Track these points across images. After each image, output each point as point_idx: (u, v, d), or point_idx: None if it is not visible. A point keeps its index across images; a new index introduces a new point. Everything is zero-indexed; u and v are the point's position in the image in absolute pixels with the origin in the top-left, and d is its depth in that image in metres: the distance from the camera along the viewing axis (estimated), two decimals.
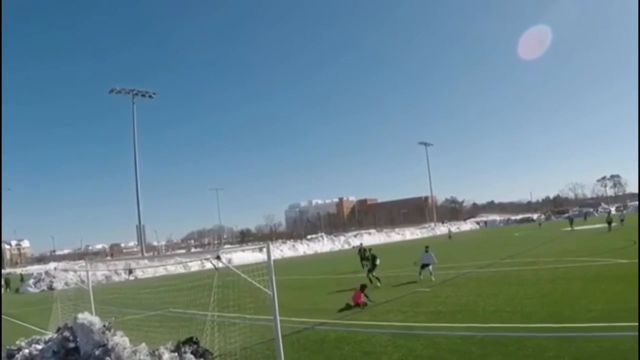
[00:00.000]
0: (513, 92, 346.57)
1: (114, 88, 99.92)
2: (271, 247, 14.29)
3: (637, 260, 28.31)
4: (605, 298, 20.92)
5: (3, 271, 71.22)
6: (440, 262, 41.82)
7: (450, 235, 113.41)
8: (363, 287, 27.04)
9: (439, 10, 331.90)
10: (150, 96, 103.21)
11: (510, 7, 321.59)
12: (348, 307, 25.54)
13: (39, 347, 14.73)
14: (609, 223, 70.34)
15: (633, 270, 27.06)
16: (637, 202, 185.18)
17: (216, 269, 13.47)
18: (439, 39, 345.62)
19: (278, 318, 13.70)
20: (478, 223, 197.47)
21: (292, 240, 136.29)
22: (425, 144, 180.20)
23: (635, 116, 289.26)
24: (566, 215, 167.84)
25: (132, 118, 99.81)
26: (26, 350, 14.75)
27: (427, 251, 34.13)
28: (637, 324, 15.56)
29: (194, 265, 71.03)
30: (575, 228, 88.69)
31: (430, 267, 33.31)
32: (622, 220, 73.96)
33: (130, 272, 69.65)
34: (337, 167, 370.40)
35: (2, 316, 29.83)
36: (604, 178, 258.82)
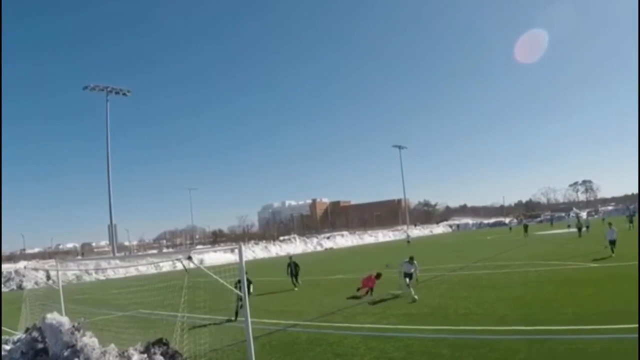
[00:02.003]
0: (486, 96, 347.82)
1: (88, 85, 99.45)
2: (243, 248, 14.24)
3: (607, 264, 28.43)
4: (576, 301, 21.08)
5: None
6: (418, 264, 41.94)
7: (409, 240, 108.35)
8: (379, 275, 29.64)
9: (415, 15, 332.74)
10: (124, 94, 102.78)
11: (487, 12, 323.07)
12: (355, 297, 28.32)
13: (7, 347, 14.58)
14: (579, 229, 70.62)
15: (603, 274, 27.34)
16: (608, 208, 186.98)
17: (186, 270, 13.40)
18: (415, 43, 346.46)
19: (249, 319, 13.65)
20: (451, 226, 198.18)
21: (264, 241, 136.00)
22: (399, 147, 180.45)
23: (607, 122, 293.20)
24: (539, 219, 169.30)
25: (106, 115, 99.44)
26: None
27: (412, 262, 28.44)
28: (606, 327, 15.81)
29: (166, 266, 70.79)
30: (539, 233, 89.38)
31: (413, 279, 28.33)
32: (587, 227, 73.70)
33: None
34: (311, 169, 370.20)
35: None
36: (576, 183, 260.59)
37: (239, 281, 29.20)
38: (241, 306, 28.87)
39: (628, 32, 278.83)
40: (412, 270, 28.22)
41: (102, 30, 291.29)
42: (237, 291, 21.44)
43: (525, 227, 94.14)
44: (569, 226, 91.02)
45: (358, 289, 29.33)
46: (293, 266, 38.54)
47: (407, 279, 27.74)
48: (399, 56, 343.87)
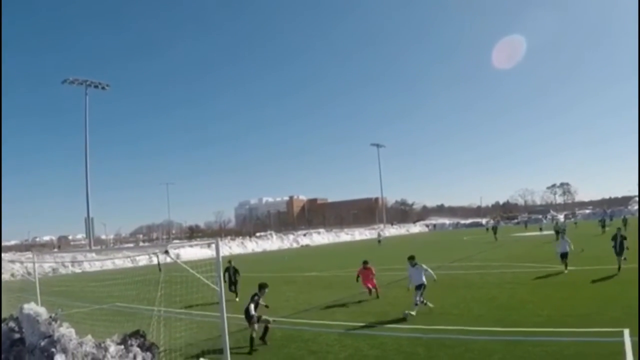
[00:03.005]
0: (464, 97, 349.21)
1: (67, 78, 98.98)
2: (220, 243, 14.21)
3: (583, 267, 28.57)
4: (551, 303, 21.19)
5: None
6: (389, 264, 41.87)
7: (380, 239, 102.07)
8: (365, 263, 28.41)
9: (393, 14, 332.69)
10: (103, 87, 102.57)
11: (468, 13, 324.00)
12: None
13: None
14: (557, 232, 65.28)
15: (579, 278, 27.45)
16: (586, 211, 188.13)
17: (159, 268, 13.41)
18: (393, 42, 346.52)
19: (225, 315, 13.62)
20: (427, 226, 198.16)
21: (241, 237, 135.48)
22: (378, 146, 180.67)
23: (585, 126, 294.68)
24: (515, 221, 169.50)
25: (85, 109, 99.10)
26: None
27: (414, 265, 22.43)
28: (581, 330, 15.95)
29: (142, 260, 70.49)
30: (514, 235, 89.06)
31: (423, 292, 21.70)
32: (563, 230, 71.62)
33: None
34: (288, 166, 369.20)
35: None
36: (553, 185, 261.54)
37: (227, 269, 28.73)
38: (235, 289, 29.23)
39: (606, 36, 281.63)
40: (424, 278, 21.64)
41: (81, 24, 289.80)
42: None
43: (495, 229, 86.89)
44: (540, 229, 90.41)
45: (357, 278, 28.58)
46: (232, 272, 30.73)
47: (420, 295, 21.46)
48: (377, 56, 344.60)
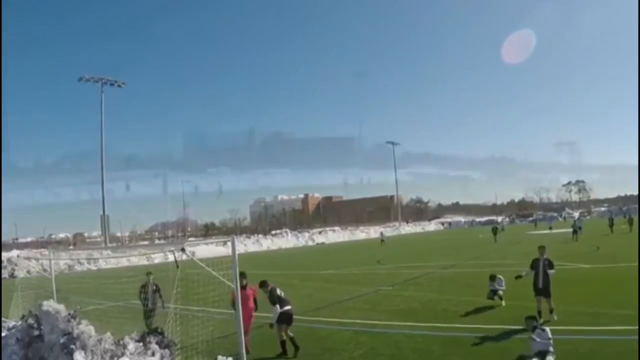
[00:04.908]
0: (478, 94, 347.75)
1: (83, 76, 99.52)
2: (235, 241, 14.30)
3: (598, 265, 28.49)
4: (566, 301, 21.13)
5: None
6: (403, 261, 41.89)
7: (382, 239, 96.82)
8: (242, 277, 17.51)
9: (409, 10, 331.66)
10: (119, 85, 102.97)
11: (483, 10, 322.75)
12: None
13: (2, 334, 14.58)
14: (574, 231, 63.03)
15: (593, 276, 27.39)
16: (601, 209, 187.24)
17: (177, 265, 13.47)
18: (409, 41, 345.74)
19: (241, 312, 13.71)
20: (443, 224, 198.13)
21: (256, 235, 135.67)
22: (393, 143, 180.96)
23: (601, 122, 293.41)
24: (530, 219, 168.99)
25: (101, 106, 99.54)
26: None
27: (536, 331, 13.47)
28: (595, 328, 15.97)
29: (157, 257, 70.79)
30: (528, 233, 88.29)
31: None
32: (580, 228, 69.06)
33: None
34: (303, 164, 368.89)
35: None
36: (569, 183, 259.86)
37: (144, 286, 20.79)
38: (151, 316, 20.12)
39: (612, 30, 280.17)
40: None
41: (96, 27, 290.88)
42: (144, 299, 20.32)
43: (495, 230, 77.46)
44: (550, 228, 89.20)
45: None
46: (151, 292, 20.74)
47: None
48: (390, 53, 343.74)
